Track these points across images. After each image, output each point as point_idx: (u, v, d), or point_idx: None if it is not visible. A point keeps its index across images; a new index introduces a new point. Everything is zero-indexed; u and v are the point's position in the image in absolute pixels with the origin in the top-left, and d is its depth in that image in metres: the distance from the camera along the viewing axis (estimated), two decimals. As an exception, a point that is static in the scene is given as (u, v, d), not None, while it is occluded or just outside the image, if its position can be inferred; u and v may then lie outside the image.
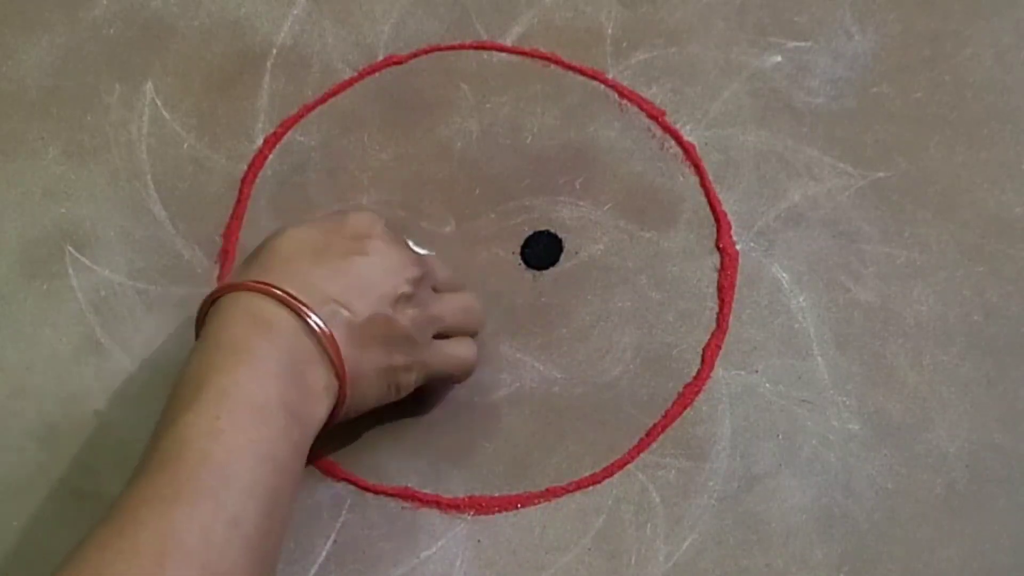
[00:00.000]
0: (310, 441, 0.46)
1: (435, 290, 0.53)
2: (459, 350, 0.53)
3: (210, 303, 0.48)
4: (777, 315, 0.57)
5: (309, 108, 0.63)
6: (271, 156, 0.62)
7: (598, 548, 0.52)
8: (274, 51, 0.65)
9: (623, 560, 0.51)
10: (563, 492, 0.53)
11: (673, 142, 0.62)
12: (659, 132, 0.63)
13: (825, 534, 0.52)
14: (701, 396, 0.55)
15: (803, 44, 0.65)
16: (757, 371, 0.56)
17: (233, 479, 0.42)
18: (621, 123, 0.63)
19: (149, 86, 0.64)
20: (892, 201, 0.60)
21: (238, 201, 0.61)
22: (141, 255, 0.59)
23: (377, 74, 0.65)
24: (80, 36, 0.66)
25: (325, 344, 0.46)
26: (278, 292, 0.46)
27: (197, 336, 0.48)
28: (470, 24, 0.66)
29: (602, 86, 0.64)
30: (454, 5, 0.66)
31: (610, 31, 0.66)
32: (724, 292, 0.58)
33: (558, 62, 0.65)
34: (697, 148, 0.62)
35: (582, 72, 0.64)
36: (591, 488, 0.53)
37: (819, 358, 0.56)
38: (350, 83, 0.64)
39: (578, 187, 0.61)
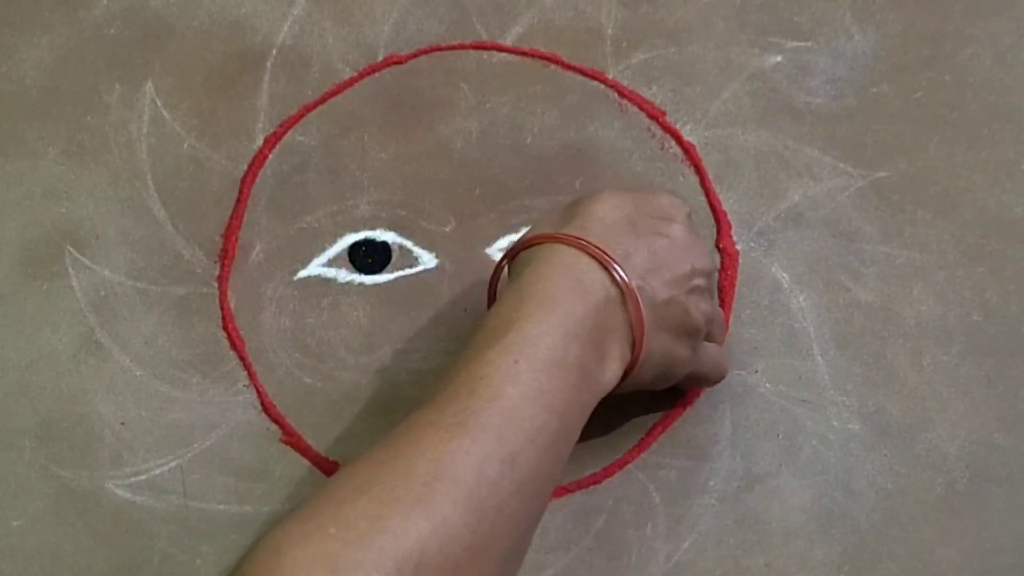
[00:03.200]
0: (594, 404, 0.46)
1: None
2: (722, 355, 0.54)
3: (526, 246, 0.48)
4: (777, 315, 0.57)
5: (309, 108, 0.63)
6: (271, 156, 0.62)
7: (598, 548, 0.52)
8: (274, 51, 0.65)
9: (623, 560, 0.51)
10: (563, 492, 0.53)
11: (673, 142, 0.62)
12: (659, 132, 0.63)
13: (825, 534, 0.52)
14: (701, 396, 0.55)
15: (803, 44, 0.65)
16: (757, 371, 0.56)
17: (519, 422, 0.42)
18: (621, 123, 0.63)
19: (149, 86, 0.64)
20: (892, 201, 0.60)
21: (238, 201, 0.61)
22: (141, 255, 0.59)
23: (377, 74, 0.65)
24: (80, 36, 0.66)
25: (631, 314, 0.46)
26: (598, 251, 0.46)
27: (510, 278, 0.49)
28: (470, 24, 0.66)
29: (602, 86, 0.64)
30: (454, 5, 0.66)
31: (610, 31, 0.66)
32: (724, 292, 0.58)
33: (558, 62, 0.65)
34: (697, 148, 0.62)
35: (582, 72, 0.64)
36: (591, 488, 0.53)
37: (819, 358, 0.56)
38: (350, 83, 0.64)
39: (578, 187, 0.61)
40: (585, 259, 0.46)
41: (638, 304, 0.46)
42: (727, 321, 0.57)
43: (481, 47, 0.65)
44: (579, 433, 0.45)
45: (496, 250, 0.59)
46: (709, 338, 0.52)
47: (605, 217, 0.48)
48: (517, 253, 0.49)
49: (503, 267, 0.50)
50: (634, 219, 0.49)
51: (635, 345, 0.47)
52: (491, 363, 0.43)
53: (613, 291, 0.46)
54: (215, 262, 0.59)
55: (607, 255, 0.46)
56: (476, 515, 0.40)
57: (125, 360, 0.56)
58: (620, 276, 0.46)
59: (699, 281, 0.49)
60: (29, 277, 0.58)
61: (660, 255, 0.48)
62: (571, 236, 0.47)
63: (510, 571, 0.43)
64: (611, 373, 0.46)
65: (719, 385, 0.55)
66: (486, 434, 0.41)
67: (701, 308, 0.49)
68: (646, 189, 0.52)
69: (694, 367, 0.51)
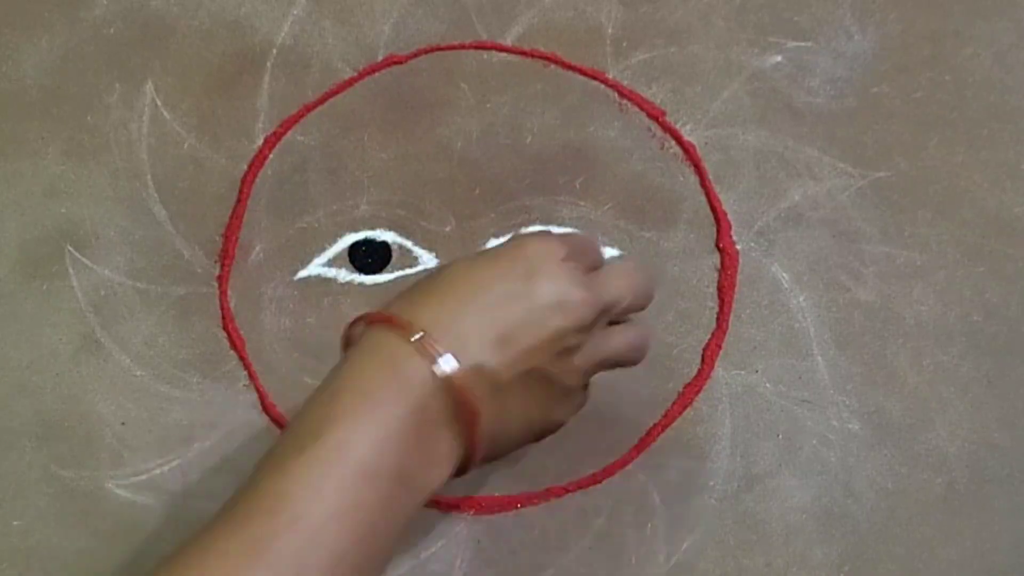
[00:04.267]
0: (419, 507, 0.43)
1: (612, 321, 0.48)
2: (586, 394, 0.49)
3: (359, 323, 0.45)
4: (777, 315, 0.57)
5: (309, 108, 0.63)
6: (271, 156, 0.62)
7: (598, 548, 0.52)
8: (274, 51, 0.65)
9: (623, 560, 0.51)
10: (563, 492, 0.53)
11: (673, 142, 0.62)
12: (659, 132, 0.63)
13: (825, 534, 0.52)
14: (701, 396, 0.55)
15: (803, 44, 0.65)
16: (757, 371, 0.56)
17: (322, 547, 0.39)
18: (621, 123, 0.63)
19: (149, 86, 0.64)
20: (892, 201, 0.60)
21: (238, 201, 0.61)
22: (141, 255, 0.59)
23: (377, 74, 0.65)
24: (80, 36, 0.66)
25: (459, 408, 0.42)
26: (425, 345, 0.42)
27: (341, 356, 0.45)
28: (470, 24, 0.66)
29: (602, 86, 0.64)
30: (454, 5, 0.66)
31: (610, 31, 0.66)
32: (724, 292, 0.58)
33: (558, 62, 0.65)
34: (697, 148, 0.62)
35: (582, 72, 0.64)
36: (591, 488, 0.53)
37: (819, 358, 0.56)
38: (350, 83, 0.64)
39: (578, 187, 0.61)
40: (407, 346, 0.42)
41: (465, 396, 0.42)
42: (727, 321, 0.57)
43: (481, 47, 0.65)
44: (397, 539, 0.42)
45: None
46: (622, 362, 0.49)
47: (445, 287, 0.44)
48: (347, 333, 0.45)
49: (347, 336, 0.46)
50: (486, 284, 0.44)
51: (472, 441, 0.43)
52: (294, 478, 0.39)
53: (438, 383, 0.41)
54: (215, 262, 0.59)
55: (430, 343, 0.42)
56: None
57: (125, 360, 0.56)
58: (442, 369, 0.41)
59: (570, 340, 0.44)
60: (29, 277, 0.59)
61: (513, 326, 0.43)
62: (397, 318, 0.43)
63: None
64: (439, 472, 0.42)
65: (719, 385, 0.55)
66: (282, 563, 0.38)
67: (571, 367, 0.45)
68: (513, 241, 0.46)
69: (578, 412, 0.48)
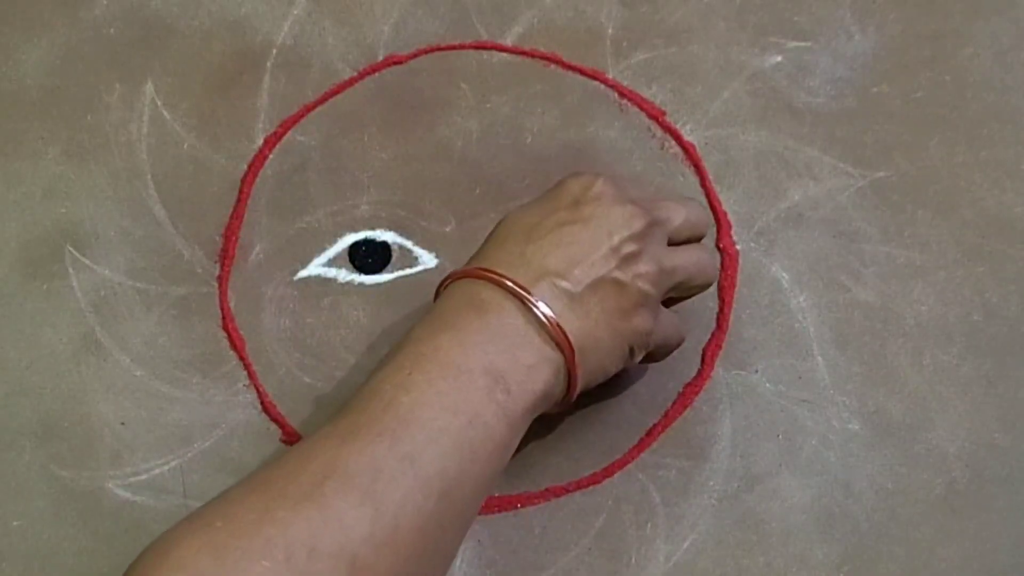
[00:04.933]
0: (530, 411, 0.45)
1: (671, 241, 0.51)
2: (676, 319, 0.52)
3: (436, 295, 0.48)
4: (777, 315, 0.57)
5: (309, 108, 0.63)
6: (271, 156, 0.62)
7: (598, 548, 0.52)
8: (274, 51, 0.65)
9: (623, 560, 0.51)
10: (563, 492, 0.53)
11: (673, 142, 0.62)
12: (659, 132, 0.63)
13: (825, 534, 0.52)
14: (701, 396, 0.55)
15: (803, 44, 0.65)
16: (757, 371, 0.56)
17: (415, 423, 0.42)
18: (621, 123, 0.63)
19: (149, 86, 0.64)
20: (892, 201, 0.60)
21: (238, 201, 0.61)
22: (141, 255, 0.59)
23: (377, 74, 0.65)
24: (80, 36, 0.66)
25: (541, 319, 0.45)
26: (486, 273, 0.46)
27: None
28: (470, 24, 0.66)
29: (602, 86, 0.64)
30: (454, 5, 0.66)
31: (610, 31, 0.66)
32: (724, 292, 0.58)
33: (558, 62, 0.65)
34: (697, 148, 0.62)
35: (582, 72, 0.64)
36: (591, 488, 0.53)
37: (819, 358, 0.56)
38: (350, 83, 0.64)
39: (578, 187, 0.61)
40: (482, 285, 0.46)
41: (541, 307, 0.45)
42: (727, 321, 0.57)
43: (481, 47, 0.65)
44: (510, 439, 0.45)
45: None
46: (685, 289, 0.51)
47: (502, 237, 0.48)
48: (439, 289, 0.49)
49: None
50: (536, 222, 0.48)
51: (562, 345, 0.46)
52: (383, 379, 0.43)
53: (511, 302, 0.45)
54: (215, 262, 0.59)
55: (497, 273, 0.46)
56: (373, 509, 0.39)
57: (125, 360, 0.56)
58: (512, 289, 0.45)
59: (631, 247, 0.47)
60: (29, 277, 0.58)
61: (572, 244, 0.47)
62: (462, 269, 0.47)
63: (426, 573, 0.42)
64: (537, 379, 0.45)
65: (719, 385, 0.55)
66: (380, 437, 0.41)
67: (639, 272, 0.47)
68: (554, 186, 0.51)
69: (659, 335, 0.50)
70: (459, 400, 0.43)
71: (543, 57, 0.65)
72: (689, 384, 0.56)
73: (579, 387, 0.47)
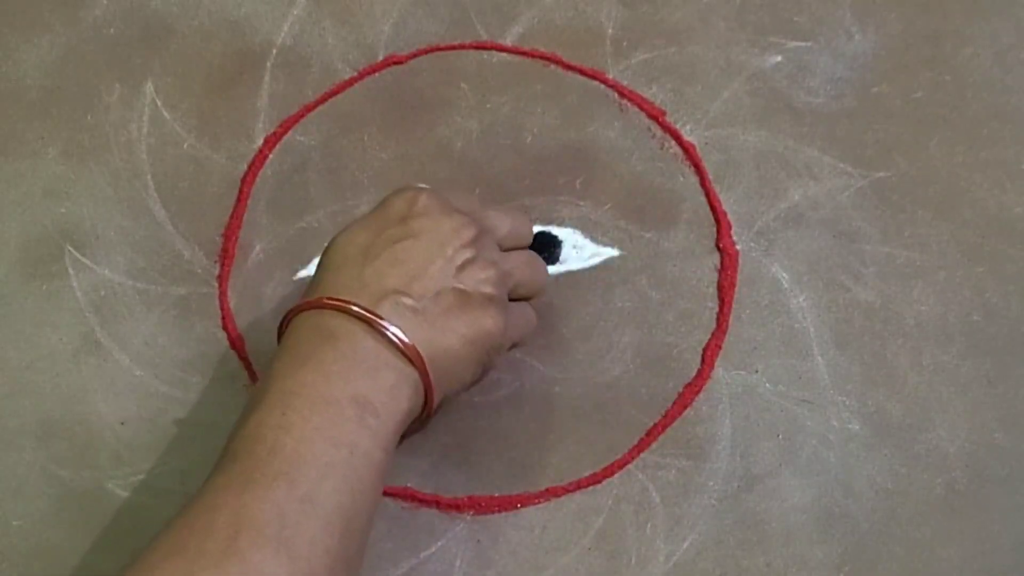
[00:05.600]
0: (398, 431, 0.46)
1: (499, 248, 0.52)
2: (525, 311, 0.53)
3: (281, 329, 0.48)
4: (777, 315, 0.57)
5: (309, 108, 0.63)
6: (271, 156, 0.62)
7: (598, 548, 0.52)
8: (274, 51, 0.65)
9: (623, 560, 0.51)
10: (563, 492, 0.53)
11: (673, 142, 0.62)
12: (659, 132, 0.63)
13: (825, 534, 0.52)
14: (701, 396, 0.55)
15: (803, 44, 0.65)
16: (757, 371, 0.56)
17: (304, 463, 0.42)
18: (621, 123, 0.63)
19: (149, 86, 0.64)
20: (892, 201, 0.60)
21: (238, 201, 0.61)
22: (141, 255, 0.59)
23: (377, 74, 0.65)
24: (80, 36, 0.66)
25: (391, 339, 0.46)
26: (331, 302, 0.46)
27: None
28: (470, 24, 0.66)
29: (602, 86, 0.64)
30: (454, 5, 0.66)
31: (610, 31, 0.66)
32: (724, 292, 0.58)
33: (558, 62, 0.65)
34: (697, 148, 0.62)
35: (582, 72, 0.64)
36: (591, 488, 0.53)
37: (819, 358, 0.56)
38: (350, 83, 0.64)
39: (578, 187, 0.61)
40: (327, 314, 0.46)
41: (383, 327, 0.46)
42: (727, 321, 0.57)
43: (481, 47, 0.65)
44: (386, 462, 0.45)
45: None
46: (522, 290, 0.52)
47: (337, 262, 0.48)
48: (279, 336, 0.49)
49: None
50: (368, 243, 0.48)
51: (415, 360, 0.46)
52: (260, 422, 0.43)
53: (359, 326, 0.46)
54: (215, 262, 0.59)
55: (340, 300, 0.46)
56: (287, 557, 0.40)
57: (125, 360, 0.56)
58: (358, 313, 0.46)
59: (465, 254, 0.48)
60: (29, 277, 0.58)
61: (407, 259, 0.47)
62: (308, 300, 0.47)
63: None
64: (400, 398, 0.46)
65: (719, 385, 0.55)
66: (276, 482, 0.41)
67: (479, 277, 0.48)
68: (378, 204, 0.51)
69: (512, 332, 0.51)
70: (336, 433, 0.43)
71: (543, 57, 0.65)
72: (689, 384, 0.56)
73: (437, 399, 0.48)
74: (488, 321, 0.48)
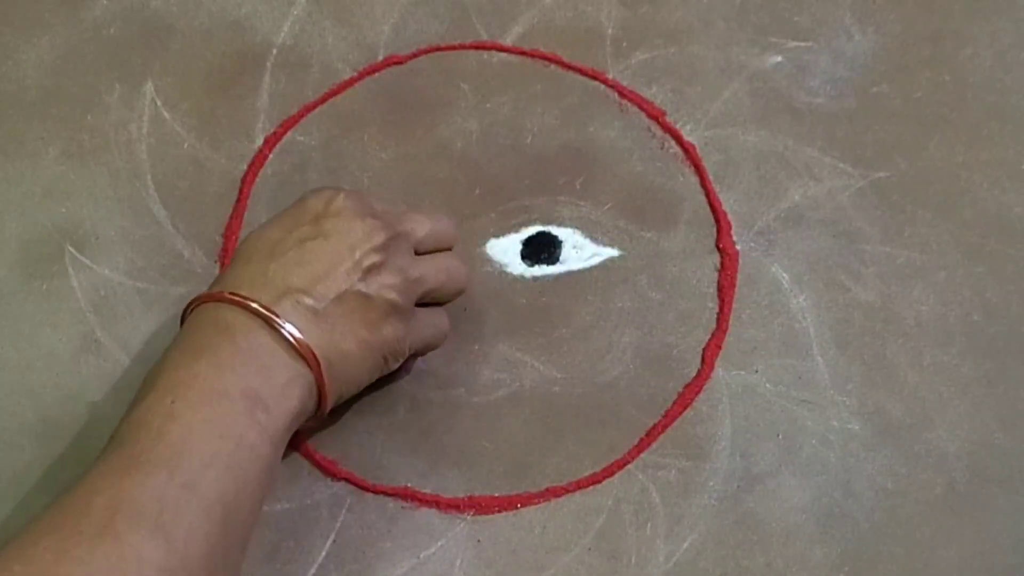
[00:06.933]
0: (289, 427, 0.47)
1: (417, 251, 0.52)
2: (435, 318, 0.53)
3: (184, 317, 0.49)
4: (777, 315, 0.57)
5: (309, 108, 0.63)
6: (271, 156, 0.62)
7: (598, 548, 0.52)
8: (274, 51, 0.65)
9: (623, 560, 0.51)
10: (563, 492, 0.53)
11: (673, 142, 0.62)
12: (659, 132, 0.63)
13: (825, 534, 0.52)
14: (701, 396, 0.55)
15: (803, 44, 0.65)
16: (757, 371, 0.56)
17: (188, 451, 0.42)
18: (621, 123, 0.63)
19: (149, 86, 0.64)
20: (892, 201, 0.60)
21: (238, 201, 0.61)
22: (141, 255, 0.59)
23: (377, 74, 0.65)
24: (80, 36, 0.66)
25: (288, 338, 0.46)
26: (231, 296, 0.47)
27: None
28: (470, 24, 0.66)
29: (602, 86, 0.64)
30: (454, 5, 0.66)
31: (610, 31, 0.66)
32: (724, 292, 0.58)
33: (558, 62, 0.65)
34: (697, 148, 0.62)
35: (582, 72, 0.64)
36: (591, 488, 0.53)
37: (819, 358, 0.56)
38: (350, 83, 0.64)
39: (578, 187, 0.61)
40: (225, 307, 0.47)
41: (285, 325, 0.46)
42: (727, 321, 0.57)
43: (481, 47, 0.65)
44: (273, 458, 0.46)
45: (495, 249, 0.59)
46: (437, 294, 0.52)
47: (246, 255, 0.49)
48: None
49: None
50: (278, 239, 0.49)
51: (310, 361, 0.47)
52: (148, 408, 0.44)
53: (256, 321, 0.46)
54: (215, 262, 0.59)
55: (238, 295, 0.46)
56: (164, 540, 0.40)
57: (125, 360, 0.56)
58: (256, 310, 0.46)
59: (373, 259, 0.48)
60: (29, 277, 0.58)
61: (314, 259, 0.48)
62: (209, 292, 0.48)
63: None
64: (291, 395, 0.46)
65: (719, 385, 0.55)
66: (158, 468, 0.42)
67: (384, 283, 0.49)
68: (295, 202, 0.51)
69: (416, 337, 0.51)
70: (224, 425, 0.44)
71: (543, 57, 0.65)
72: (689, 384, 0.56)
73: (331, 401, 0.48)
74: (387, 329, 0.49)
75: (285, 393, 0.46)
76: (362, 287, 0.48)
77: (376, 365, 0.50)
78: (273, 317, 0.46)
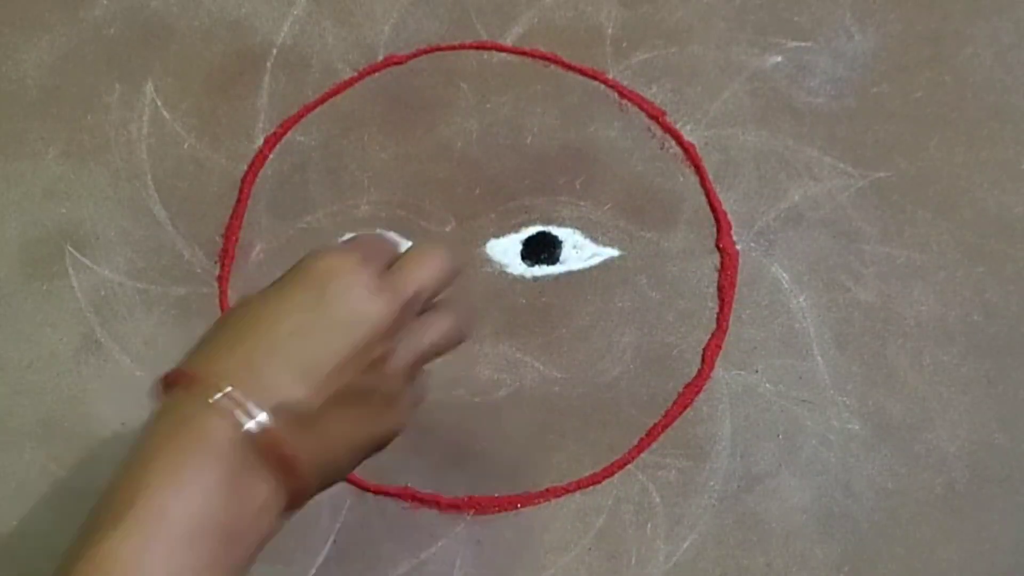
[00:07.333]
0: (254, 552, 0.41)
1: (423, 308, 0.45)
2: (422, 384, 0.46)
3: (161, 388, 0.42)
4: (777, 315, 0.57)
5: (309, 108, 0.63)
6: (271, 156, 0.62)
7: (598, 548, 0.52)
8: (274, 51, 0.65)
9: (623, 560, 0.51)
10: (563, 492, 0.53)
11: (673, 142, 0.62)
12: (659, 132, 0.63)
13: (825, 534, 0.52)
14: (701, 396, 0.55)
15: (803, 44, 0.65)
16: (757, 371, 0.56)
17: None
18: (621, 123, 0.63)
19: (149, 86, 0.64)
20: (892, 201, 0.60)
21: (238, 201, 0.61)
22: (141, 255, 0.59)
23: (377, 74, 0.65)
24: (80, 36, 0.66)
25: (272, 457, 0.40)
26: (216, 398, 0.40)
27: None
28: (470, 24, 0.66)
29: (602, 86, 0.64)
30: (454, 5, 0.66)
31: (610, 31, 0.66)
32: (724, 292, 0.58)
33: (558, 62, 0.65)
34: (697, 148, 0.62)
35: (582, 72, 0.64)
36: (591, 488, 0.53)
37: (819, 358, 0.56)
38: (350, 83, 0.64)
39: (578, 187, 0.61)
40: (206, 408, 0.40)
41: (275, 445, 0.40)
42: (727, 321, 0.57)
43: (481, 47, 0.65)
44: (249, 563, 0.40)
45: (495, 249, 0.59)
46: (444, 350, 0.45)
47: (245, 333, 0.42)
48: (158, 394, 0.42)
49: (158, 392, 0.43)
50: (278, 318, 0.41)
51: (295, 477, 0.40)
52: (111, 553, 0.37)
53: (237, 433, 0.39)
54: (215, 262, 0.59)
55: (228, 399, 0.39)
56: None
57: (125, 360, 0.56)
58: (244, 425, 0.39)
59: (377, 350, 0.41)
60: (29, 277, 0.59)
61: (312, 353, 0.41)
62: (194, 375, 0.41)
63: None
64: (266, 517, 0.40)
65: (719, 385, 0.55)
66: None
67: (386, 375, 0.42)
68: (299, 264, 0.44)
69: (409, 421, 0.45)
70: (200, 568, 0.38)
71: (543, 57, 0.65)
72: (689, 384, 0.56)
73: (309, 498, 0.42)
74: (389, 420, 0.43)
75: (263, 514, 0.40)
76: (363, 381, 0.41)
77: (365, 457, 0.44)
78: (272, 437, 0.40)
